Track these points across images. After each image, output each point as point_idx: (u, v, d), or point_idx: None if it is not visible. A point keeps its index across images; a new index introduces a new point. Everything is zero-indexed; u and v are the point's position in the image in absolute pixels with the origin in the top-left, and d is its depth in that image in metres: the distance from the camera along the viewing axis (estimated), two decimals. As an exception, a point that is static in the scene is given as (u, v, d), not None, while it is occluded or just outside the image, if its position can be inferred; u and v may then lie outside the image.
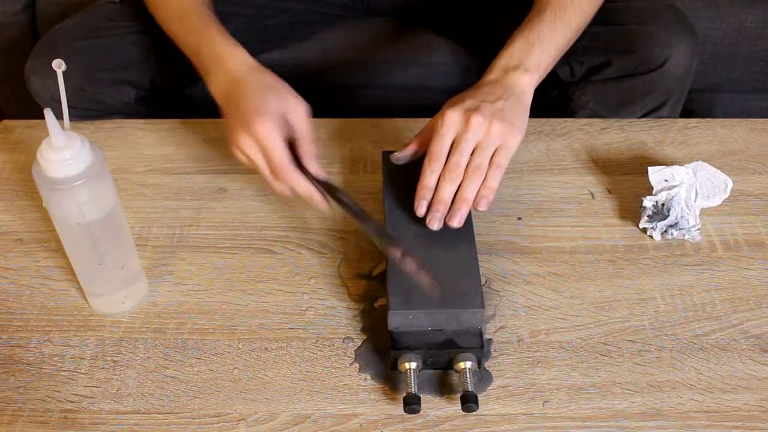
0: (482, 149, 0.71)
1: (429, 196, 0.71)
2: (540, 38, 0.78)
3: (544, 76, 0.80)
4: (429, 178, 0.72)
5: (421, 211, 0.71)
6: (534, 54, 0.77)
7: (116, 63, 0.96)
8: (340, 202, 0.72)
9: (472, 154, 0.72)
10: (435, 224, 0.70)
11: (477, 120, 0.71)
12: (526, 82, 0.76)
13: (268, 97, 0.74)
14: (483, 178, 0.71)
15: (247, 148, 0.73)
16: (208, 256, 0.78)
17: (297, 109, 0.74)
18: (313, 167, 0.74)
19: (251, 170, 0.87)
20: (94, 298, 0.73)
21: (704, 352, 0.69)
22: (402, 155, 0.77)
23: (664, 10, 0.96)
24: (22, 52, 1.01)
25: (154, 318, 0.73)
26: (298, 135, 0.74)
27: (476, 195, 0.71)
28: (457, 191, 0.71)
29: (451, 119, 0.72)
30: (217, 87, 0.78)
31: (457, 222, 0.70)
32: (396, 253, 0.67)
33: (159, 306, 0.74)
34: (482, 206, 0.71)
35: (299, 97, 0.76)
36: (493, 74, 0.77)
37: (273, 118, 0.72)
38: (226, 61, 0.78)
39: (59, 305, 0.74)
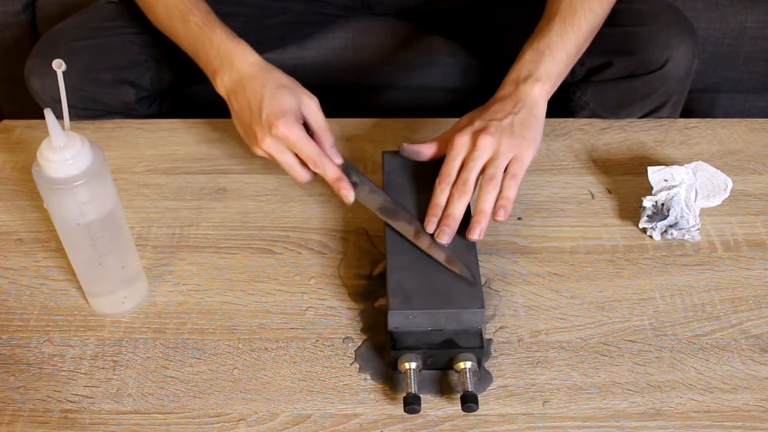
0: (493, 162, 0.73)
1: (439, 213, 0.72)
2: (550, 47, 0.78)
3: (557, 83, 0.80)
4: (439, 197, 0.73)
5: (431, 228, 0.72)
6: (544, 63, 0.78)
7: (116, 63, 0.96)
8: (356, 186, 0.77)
9: (483, 169, 0.73)
10: (444, 238, 0.71)
11: (485, 140, 0.73)
12: (538, 93, 0.77)
13: (284, 96, 0.77)
14: (498, 189, 0.72)
15: (273, 149, 0.76)
16: (208, 256, 0.78)
17: (310, 103, 0.78)
18: (336, 157, 0.78)
19: (251, 170, 0.88)
20: (94, 298, 0.73)
21: (704, 352, 0.69)
22: (410, 149, 0.79)
23: (664, 12, 0.96)
24: (22, 52, 1.01)
25: (154, 318, 0.73)
26: (315, 128, 0.78)
27: (494, 206, 0.72)
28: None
29: (460, 143, 0.74)
30: (224, 86, 0.80)
31: (477, 235, 0.71)
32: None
33: (159, 306, 0.74)
34: (500, 216, 0.71)
35: (308, 91, 0.79)
36: (504, 89, 0.78)
37: (294, 116, 0.76)
38: (234, 60, 0.79)
39: (59, 305, 0.74)
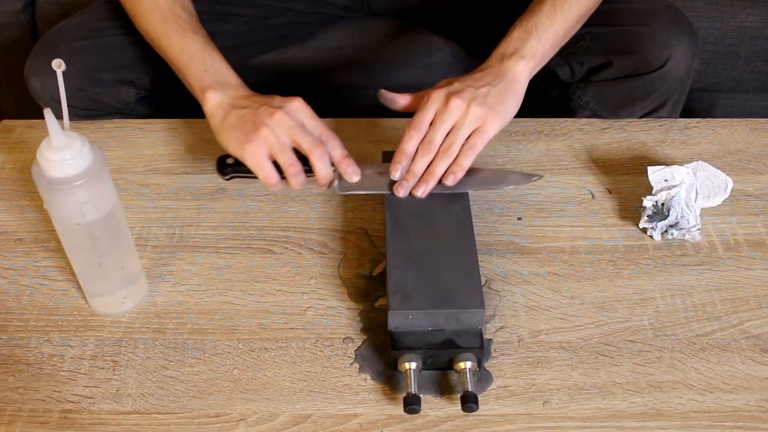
0: (456, 131, 0.75)
1: (405, 162, 0.76)
2: (538, 27, 0.81)
3: (542, 63, 0.82)
4: (407, 144, 0.76)
5: (395, 174, 0.76)
6: (531, 41, 0.80)
7: (116, 63, 0.95)
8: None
9: (447, 135, 0.76)
10: (401, 192, 0.75)
11: (455, 103, 0.75)
12: (521, 69, 0.79)
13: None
14: (452, 158, 0.75)
15: (282, 126, 0.75)
16: (208, 256, 0.78)
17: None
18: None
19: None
20: (94, 298, 0.73)
21: (704, 352, 0.69)
22: (387, 95, 0.81)
23: (664, 11, 0.95)
24: (22, 52, 1.01)
25: (154, 318, 0.73)
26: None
27: (446, 170, 0.75)
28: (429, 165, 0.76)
29: (435, 98, 0.77)
30: (216, 98, 0.79)
31: (420, 192, 0.75)
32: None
33: (159, 306, 0.74)
34: (449, 181, 0.75)
35: None
36: (489, 62, 0.81)
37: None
38: (230, 81, 0.80)
39: (59, 305, 0.74)
